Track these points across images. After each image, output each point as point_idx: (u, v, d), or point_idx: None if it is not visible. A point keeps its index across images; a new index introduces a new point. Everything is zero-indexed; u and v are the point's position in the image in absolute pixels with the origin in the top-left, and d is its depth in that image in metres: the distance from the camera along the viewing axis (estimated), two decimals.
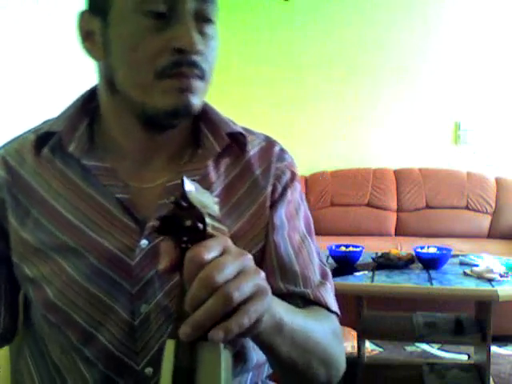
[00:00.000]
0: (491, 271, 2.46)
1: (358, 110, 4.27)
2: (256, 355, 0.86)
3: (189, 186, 0.56)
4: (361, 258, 2.69)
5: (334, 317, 0.87)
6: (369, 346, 3.13)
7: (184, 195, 0.55)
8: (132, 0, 0.73)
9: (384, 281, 2.45)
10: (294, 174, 0.90)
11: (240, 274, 0.55)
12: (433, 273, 2.54)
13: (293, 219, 0.88)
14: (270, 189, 0.86)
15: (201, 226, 0.54)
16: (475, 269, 2.52)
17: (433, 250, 2.70)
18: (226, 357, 0.55)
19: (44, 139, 0.83)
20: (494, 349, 2.94)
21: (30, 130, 0.87)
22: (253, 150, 0.88)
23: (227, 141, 0.84)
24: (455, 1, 4.12)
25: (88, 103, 0.85)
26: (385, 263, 2.63)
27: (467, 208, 4.00)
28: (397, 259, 2.63)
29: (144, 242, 0.79)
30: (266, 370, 0.92)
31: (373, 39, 4.20)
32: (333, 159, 4.29)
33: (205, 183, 0.82)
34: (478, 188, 4.00)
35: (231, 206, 0.84)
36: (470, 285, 2.39)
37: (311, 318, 0.80)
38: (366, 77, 4.23)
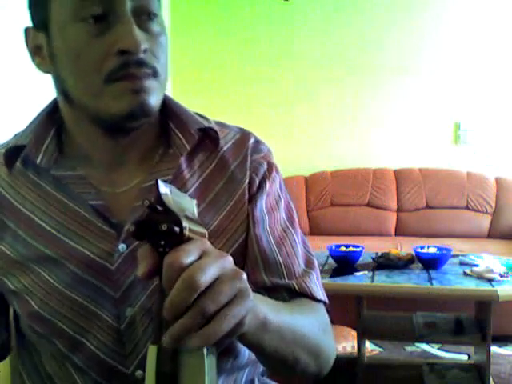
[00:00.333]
0: (491, 271, 2.46)
1: (358, 109, 4.27)
2: (248, 350, 0.85)
3: (164, 188, 0.55)
4: (361, 258, 2.69)
5: (321, 306, 0.86)
6: (369, 346, 3.13)
7: (159, 199, 0.54)
8: (68, 8, 0.72)
9: (384, 281, 2.45)
10: (271, 165, 0.88)
11: (219, 278, 0.53)
12: (433, 273, 2.54)
13: (273, 211, 0.87)
14: (247, 182, 0.84)
15: (177, 229, 0.53)
16: (475, 269, 2.52)
17: (433, 250, 2.70)
18: (209, 361, 0.54)
19: (14, 153, 0.82)
20: (494, 349, 2.94)
21: (2, 145, 0.87)
22: (227, 143, 0.87)
23: (197, 137, 0.83)
24: (455, 1, 4.12)
25: (53, 114, 0.84)
26: (385, 263, 2.63)
27: (467, 208, 4.00)
28: (397, 259, 2.63)
29: (122, 246, 0.78)
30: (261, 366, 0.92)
31: (373, 39, 4.20)
32: (333, 159, 4.29)
33: (178, 182, 0.82)
34: (478, 188, 4.00)
35: (209, 202, 0.82)
36: (470, 285, 2.39)
37: (297, 311, 0.79)
38: (366, 77, 4.23)
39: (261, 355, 0.73)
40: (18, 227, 0.81)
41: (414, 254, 2.68)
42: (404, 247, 3.49)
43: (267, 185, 0.86)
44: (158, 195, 0.54)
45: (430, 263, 2.60)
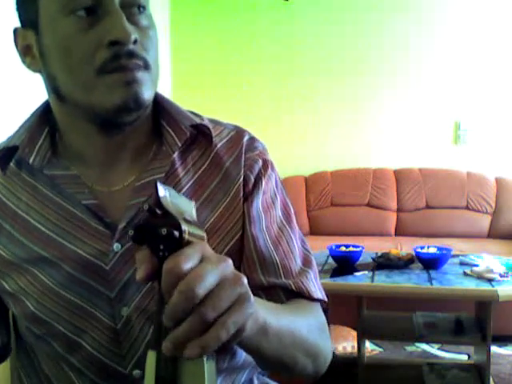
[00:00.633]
0: (491, 271, 2.46)
1: (358, 109, 4.27)
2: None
3: (162, 191, 0.54)
4: (361, 258, 2.69)
5: (318, 306, 0.86)
6: (369, 346, 3.13)
7: (158, 202, 0.53)
8: (57, 2, 0.72)
9: (384, 281, 2.45)
10: (266, 162, 0.87)
11: (219, 284, 0.52)
12: (433, 273, 2.54)
13: (270, 210, 0.86)
14: (241, 179, 0.84)
15: (177, 233, 0.52)
16: (475, 269, 2.52)
17: (433, 250, 2.70)
18: (209, 366, 0.54)
19: (7, 154, 0.82)
20: (494, 349, 2.94)
21: None
22: (221, 141, 0.86)
23: (188, 133, 0.82)
24: (455, 1, 4.12)
25: (46, 114, 0.84)
26: (385, 263, 2.63)
27: (467, 208, 4.00)
28: (397, 259, 2.63)
29: (117, 246, 0.78)
30: None
31: (373, 39, 4.20)
32: (333, 159, 4.29)
33: (172, 179, 0.81)
34: (478, 188, 4.00)
35: (203, 199, 0.82)
36: (470, 285, 2.39)
37: (295, 313, 0.79)
38: (366, 77, 4.22)
39: (259, 358, 0.73)
40: (12, 228, 0.81)
41: (414, 254, 2.68)
42: (404, 247, 3.50)
43: (263, 183, 0.86)
44: (157, 198, 0.53)
45: (430, 263, 2.60)
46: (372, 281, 2.46)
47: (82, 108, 0.76)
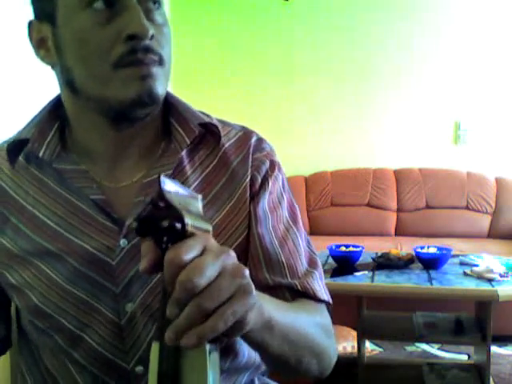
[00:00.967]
0: (491, 271, 2.46)
1: (358, 109, 4.27)
2: (248, 349, 0.85)
3: (167, 184, 0.54)
4: (361, 258, 2.70)
5: (323, 307, 0.86)
6: (369, 346, 3.13)
7: (161, 195, 0.53)
8: None
9: (384, 281, 2.45)
10: (273, 163, 0.88)
11: (219, 275, 0.53)
12: (433, 273, 2.54)
13: (276, 210, 0.87)
14: (248, 179, 0.85)
15: (179, 225, 0.52)
16: (475, 269, 2.52)
17: (433, 250, 2.70)
18: (212, 357, 0.54)
19: (17, 147, 0.83)
20: (494, 349, 2.94)
21: (5, 141, 0.87)
22: (229, 141, 0.87)
23: (197, 132, 0.83)
24: (456, 1, 4.12)
25: (56, 109, 0.85)
26: (385, 263, 2.63)
27: (467, 208, 4.00)
28: (397, 259, 2.63)
29: (123, 242, 0.78)
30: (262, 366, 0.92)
31: (373, 39, 4.20)
32: (333, 159, 4.29)
33: (180, 177, 0.82)
34: (478, 188, 4.00)
35: (210, 198, 0.83)
36: (470, 285, 2.39)
37: (301, 312, 0.79)
38: (366, 77, 4.23)
39: (264, 355, 0.73)
40: (19, 221, 0.82)
41: (414, 254, 2.68)
42: (404, 247, 3.50)
43: (270, 183, 0.86)
44: (160, 191, 0.53)
45: (430, 263, 2.60)
46: (372, 281, 2.46)
47: (95, 101, 0.76)
